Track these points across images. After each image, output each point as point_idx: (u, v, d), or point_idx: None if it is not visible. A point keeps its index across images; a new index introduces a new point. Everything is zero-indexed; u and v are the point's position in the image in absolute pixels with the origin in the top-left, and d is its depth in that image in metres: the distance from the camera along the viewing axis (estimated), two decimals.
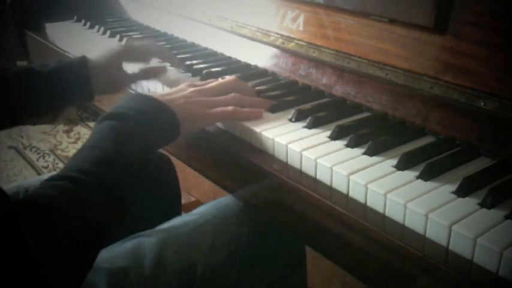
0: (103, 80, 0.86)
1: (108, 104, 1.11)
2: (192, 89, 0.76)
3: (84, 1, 1.41)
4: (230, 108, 0.74)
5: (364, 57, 0.78)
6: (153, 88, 0.92)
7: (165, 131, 0.69)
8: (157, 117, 0.68)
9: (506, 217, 0.52)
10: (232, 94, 0.77)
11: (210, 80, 0.83)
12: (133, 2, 1.36)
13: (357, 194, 0.59)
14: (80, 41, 1.18)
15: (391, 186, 0.57)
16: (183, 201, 1.09)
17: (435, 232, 0.51)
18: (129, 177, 0.61)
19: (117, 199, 0.58)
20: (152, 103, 0.69)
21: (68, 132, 2.47)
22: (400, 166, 0.61)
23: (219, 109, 0.74)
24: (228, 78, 0.82)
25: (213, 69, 0.94)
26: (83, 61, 0.84)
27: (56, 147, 2.34)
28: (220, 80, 0.82)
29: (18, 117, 0.84)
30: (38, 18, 1.35)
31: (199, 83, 0.80)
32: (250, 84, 0.87)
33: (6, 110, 0.81)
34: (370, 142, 0.65)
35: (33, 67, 0.82)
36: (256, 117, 0.75)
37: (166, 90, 0.77)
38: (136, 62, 0.93)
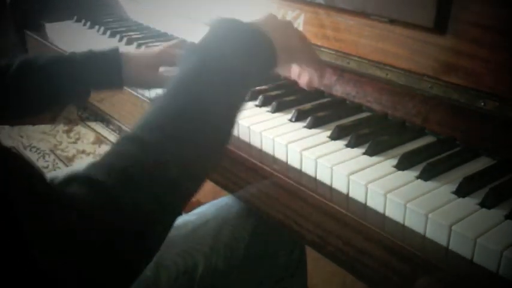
0: (133, 74, 0.83)
1: (109, 104, 1.11)
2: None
3: (84, 1, 1.41)
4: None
5: (364, 57, 0.78)
6: None
7: (261, 65, 0.58)
8: (255, 50, 0.57)
9: (506, 217, 0.52)
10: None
11: None
12: (133, 2, 1.36)
13: (357, 194, 0.59)
14: (80, 41, 1.18)
15: (391, 186, 0.57)
16: None
17: (435, 232, 0.51)
18: (219, 130, 0.52)
19: (198, 165, 0.49)
20: (251, 34, 0.57)
21: (68, 132, 2.47)
22: (400, 166, 0.61)
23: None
24: None
25: None
26: (115, 49, 0.83)
27: (56, 147, 2.34)
28: None
29: (48, 104, 0.82)
30: (38, 18, 1.35)
31: None
32: None
33: (37, 97, 0.79)
34: (370, 142, 0.65)
35: (64, 55, 0.82)
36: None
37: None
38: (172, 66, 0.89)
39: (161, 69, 0.88)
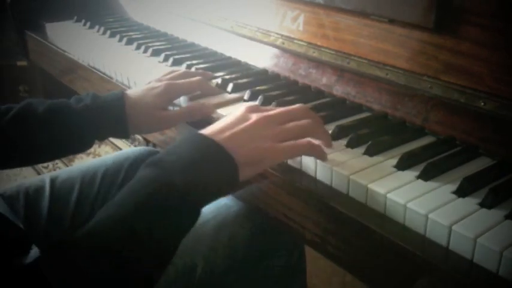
0: (141, 120, 0.77)
1: None
2: (255, 115, 0.61)
3: (84, 1, 1.41)
4: (305, 143, 0.62)
5: (364, 57, 0.78)
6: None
7: (217, 184, 0.57)
8: (211, 169, 0.56)
9: (506, 217, 0.52)
10: (306, 121, 0.63)
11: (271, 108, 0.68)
12: (133, 2, 1.36)
13: (357, 194, 0.59)
14: (80, 41, 1.18)
15: (391, 186, 0.57)
16: None
17: (435, 232, 0.51)
18: (156, 250, 0.52)
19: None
20: (206, 148, 0.56)
21: None
22: (400, 166, 0.61)
23: (290, 145, 0.61)
24: (298, 105, 0.66)
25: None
26: (119, 98, 0.76)
27: None
28: (289, 107, 0.65)
29: (48, 153, 0.78)
30: (38, 18, 1.35)
31: (262, 108, 0.65)
32: (249, 83, 0.87)
33: (36, 147, 0.75)
34: (370, 142, 0.65)
35: (65, 103, 0.75)
36: (325, 159, 0.63)
37: (224, 120, 0.61)
38: (179, 97, 0.83)
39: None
